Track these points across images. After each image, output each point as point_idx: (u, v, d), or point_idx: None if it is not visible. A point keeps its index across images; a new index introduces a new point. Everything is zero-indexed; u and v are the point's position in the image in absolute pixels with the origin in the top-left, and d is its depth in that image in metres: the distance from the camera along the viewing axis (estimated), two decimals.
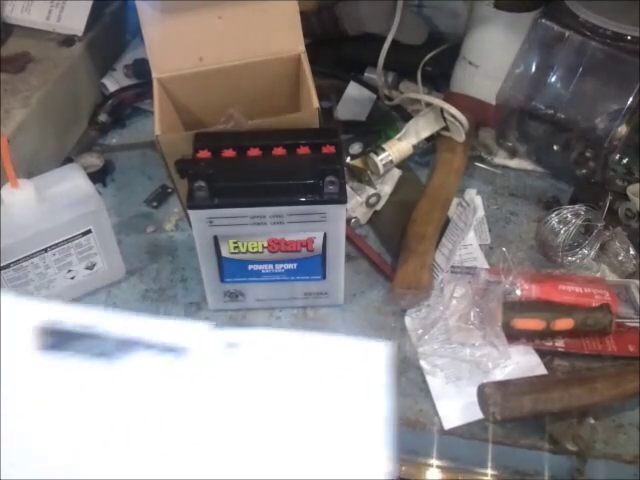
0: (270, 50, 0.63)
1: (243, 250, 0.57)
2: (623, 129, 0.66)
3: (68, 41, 0.80)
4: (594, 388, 0.52)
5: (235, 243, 0.56)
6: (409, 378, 0.57)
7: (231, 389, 0.31)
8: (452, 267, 0.63)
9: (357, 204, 0.70)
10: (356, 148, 0.74)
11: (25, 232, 0.55)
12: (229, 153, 0.54)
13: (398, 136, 0.73)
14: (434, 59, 0.84)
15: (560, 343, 0.58)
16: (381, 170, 0.71)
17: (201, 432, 0.30)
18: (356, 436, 0.29)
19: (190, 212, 0.54)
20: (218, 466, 0.29)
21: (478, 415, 0.52)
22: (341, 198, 0.53)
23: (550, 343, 0.58)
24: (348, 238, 0.62)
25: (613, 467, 0.51)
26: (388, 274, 0.65)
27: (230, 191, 0.53)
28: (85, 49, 0.80)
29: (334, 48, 0.87)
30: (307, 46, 0.64)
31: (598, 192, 0.68)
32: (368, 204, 0.70)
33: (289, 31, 0.63)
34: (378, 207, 0.71)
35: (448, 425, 0.53)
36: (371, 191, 0.71)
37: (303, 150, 0.55)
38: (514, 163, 0.78)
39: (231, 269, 0.58)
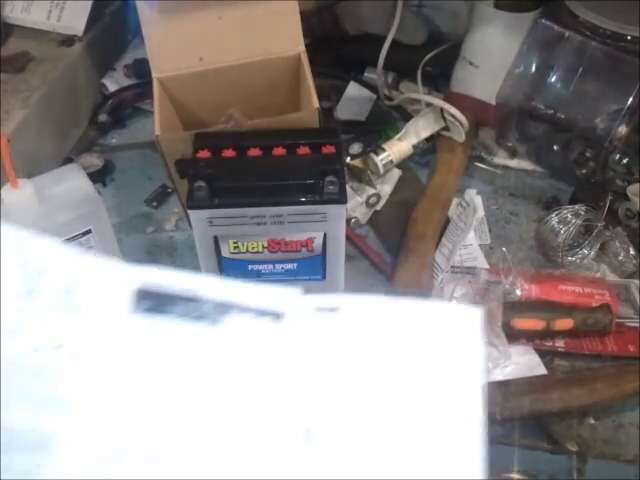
0: (270, 50, 0.63)
1: (243, 250, 0.57)
2: (623, 129, 0.66)
3: (68, 41, 0.80)
4: (594, 388, 0.52)
5: (235, 243, 0.56)
6: None
7: (331, 354, 0.31)
8: (452, 267, 0.63)
9: (357, 204, 0.70)
10: (356, 148, 0.74)
11: None
12: (229, 153, 0.54)
13: (398, 136, 0.73)
14: (434, 59, 0.84)
15: (560, 343, 0.58)
16: (381, 170, 0.71)
17: (303, 396, 0.30)
18: (455, 403, 0.29)
19: (190, 212, 0.54)
20: (317, 430, 0.29)
21: None
22: (341, 198, 0.53)
23: (550, 343, 0.58)
24: (348, 238, 0.62)
25: (613, 467, 0.51)
26: (388, 274, 0.65)
27: (230, 191, 0.53)
28: (85, 49, 0.80)
29: (334, 48, 0.87)
30: (307, 46, 0.64)
31: (598, 192, 0.68)
32: (368, 204, 0.70)
33: (289, 31, 0.63)
34: (378, 207, 0.71)
35: None
36: (371, 191, 0.71)
37: (303, 150, 0.55)
38: (514, 163, 0.78)
39: (231, 269, 0.58)
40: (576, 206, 0.66)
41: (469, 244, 0.67)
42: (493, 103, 0.75)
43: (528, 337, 0.58)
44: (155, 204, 0.74)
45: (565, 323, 0.56)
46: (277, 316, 0.31)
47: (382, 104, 0.84)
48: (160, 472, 0.29)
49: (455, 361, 0.30)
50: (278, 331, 0.31)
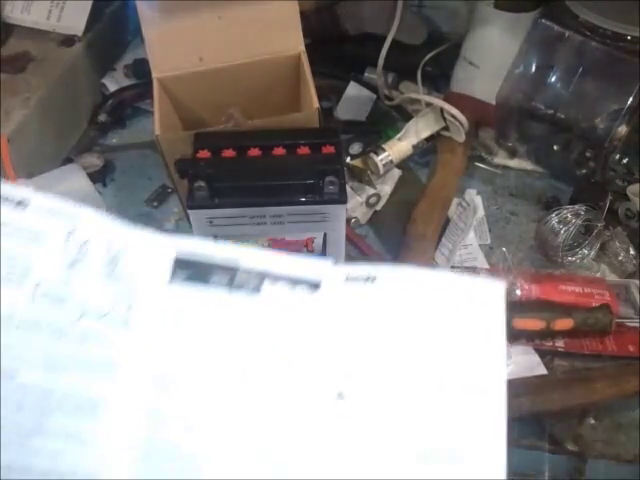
0: (270, 50, 0.63)
1: None
2: (623, 129, 0.66)
3: (68, 41, 0.80)
4: (594, 388, 0.52)
5: (235, 243, 0.56)
6: None
7: (363, 322, 0.32)
8: (452, 267, 0.63)
9: (357, 204, 0.70)
10: (356, 148, 0.74)
11: None
12: (229, 153, 0.54)
13: (398, 136, 0.73)
14: (434, 59, 0.84)
15: (560, 343, 0.58)
16: (381, 170, 0.71)
17: (336, 362, 0.32)
18: (479, 370, 0.31)
19: (190, 212, 0.54)
20: (348, 394, 0.31)
21: None
22: (341, 198, 0.53)
23: (550, 343, 0.58)
24: (348, 238, 0.62)
25: (613, 467, 0.51)
26: None
27: (230, 191, 0.53)
28: (85, 49, 0.80)
29: (334, 48, 0.87)
30: (307, 46, 0.64)
31: (598, 192, 0.68)
32: (368, 204, 0.70)
33: (289, 31, 0.63)
34: (378, 207, 0.71)
35: None
36: (371, 191, 0.71)
37: (303, 150, 0.55)
38: (514, 163, 0.78)
39: None
40: (576, 206, 0.66)
41: (469, 244, 0.67)
42: (493, 103, 0.75)
43: (528, 337, 0.58)
44: (155, 204, 0.74)
45: (565, 323, 0.56)
46: (313, 285, 0.33)
47: (382, 104, 0.84)
48: (199, 436, 0.30)
49: (479, 329, 0.32)
50: (314, 300, 0.33)
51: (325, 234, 0.56)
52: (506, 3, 0.72)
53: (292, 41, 0.63)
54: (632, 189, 0.68)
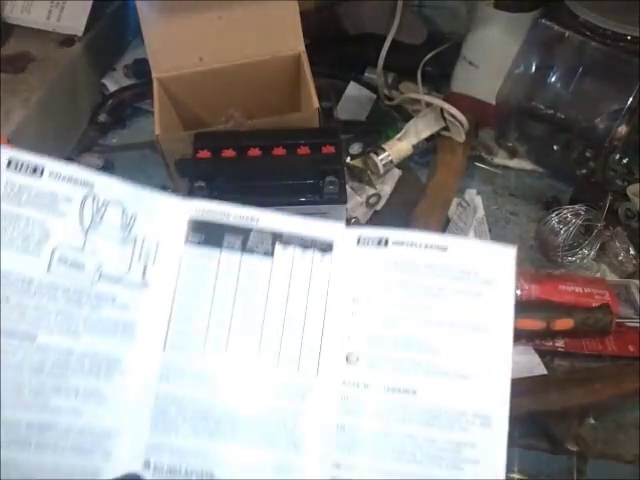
0: (270, 50, 0.63)
1: None
2: (623, 129, 0.65)
3: (68, 41, 0.80)
4: (594, 388, 0.52)
5: None
6: None
7: (375, 283, 0.33)
8: None
9: (357, 204, 0.70)
10: (356, 148, 0.74)
11: None
12: (229, 153, 0.54)
13: (398, 136, 0.73)
14: (434, 59, 0.84)
15: (560, 343, 0.58)
16: (381, 170, 0.71)
17: (347, 324, 0.33)
18: (488, 331, 0.34)
19: None
20: (357, 355, 0.32)
21: None
22: (341, 198, 0.53)
23: (550, 343, 0.58)
24: None
25: (613, 467, 0.51)
26: None
27: (230, 191, 0.53)
28: (85, 49, 0.80)
29: (334, 48, 0.87)
30: (307, 46, 0.64)
31: (598, 192, 0.68)
32: (368, 204, 0.70)
33: (289, 31, 0.63)
34: (378, 207, 0.71)
35: None
36: (371, 191, 0.71)
37: (303, 150, 0.55)
38: (514, 163, 0.78)
39: None
40: (576, 206, 0.66)
41: None
42: (493, 103, 0.75)
43: (528, 337, 0.58)
44: None
45: (565, 323, 0.56)
46: (325, 248, 0.34)
47: (382, 104, 0.84)
48: (211, 392, 0.32)
49: (490, 292, 0.33)
50: (327, 261, 0.34)
51: None
52: (506, 3, 0.72)
53: (292, 41, 0.63)
54: (632, 189, 0.68)
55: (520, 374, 0.55)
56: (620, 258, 0.65)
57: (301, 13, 0.63)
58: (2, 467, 0.28)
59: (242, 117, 0.58)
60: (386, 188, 0.72)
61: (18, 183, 0.31)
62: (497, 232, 0.70)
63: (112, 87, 0.84)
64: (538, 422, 0.52)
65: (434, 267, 0.33)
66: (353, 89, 0.84)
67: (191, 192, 0.52)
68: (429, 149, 0.77)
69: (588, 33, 0.67)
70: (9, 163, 0.32)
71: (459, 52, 0.80)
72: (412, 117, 0.76)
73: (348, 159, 0.72)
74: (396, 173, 0.74)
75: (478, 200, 0.71)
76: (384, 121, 0.82)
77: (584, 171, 0.71)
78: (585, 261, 0.65)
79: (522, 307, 0.58)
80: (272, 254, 0.34)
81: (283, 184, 0.53)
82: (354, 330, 0.33)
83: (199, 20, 0.62)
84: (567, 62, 0.68)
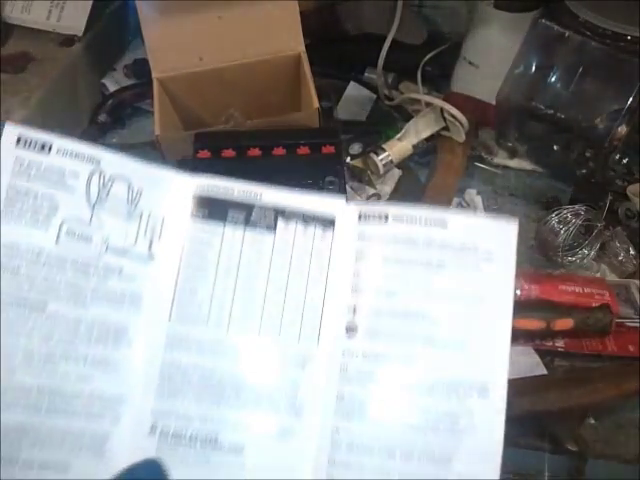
0: (270, 50, 0.63)
1: None
2: (623, 129, 0.65)
3: (68, 41, 0.80)
4: (594, 388, 0.52)
5: None
6: None
7: (376, 257, 0.34)
8: None
9: None
10: (356, 148, 0.74)
11: None
12: (229, 153, 0.54)
13: (398, 136, 0.73)
14: (434, 59, 0.84)
15: (560, 343, 0.58)
16: (381, 170, 0.71)
17: (347, 296, 0.34)
18: (489, 303, 0.34)
19: None
20: (357, 327, 0.33)
21: None
22: None
23: (550, 343, 0.58)
24: None
25: (613, 467, 0.51)
26: None
27: None
28: (85, 49, 0.80)
29: (334, 48, 0.87)
30: (307, 46, 0.64)
31: (598, 192, 0.68)
32: None
33: (289, 31, 0.63)
34: None
35: None
36: (371, 191, 0.71)
37: (303, 150, 0.55)
38: (514, 163, 0.78)
39: None
40: (576, 206, 0.66)
41: None
42: (493, 103, 0.75)
43: (528, 337, 0.58)
44: None
45: (565, 323, 0.56)
46: (327, 223, 0.35)
47: (382, 104, 0.84)
48: (215, 359, 0.33)
49: (490, 266, 0.34)
50: (328, 236, 0.35)
51: None
52: (506, 3, 0.72)
53: (292, 41, 0.63)
54: (632, 189, 0.68)
55: (520, 374, 0.55)
56: (620, 258, 0.65)
57: (301, 13, 0.63)
58: (16, 431, 0.30)
59: (242, 117, 0.58)
60: (386, 188, 0.72)
61: (27, 159, 0.32)
62: None
63: (112, 87, 0.84)
64: (538, 422, 0.52)
65: (434, 242, 0.34)
66: (353, 89, 0.84)
67: None
68: (429, 149, 0.77)
69: (588, 33, 0.67)
70: (18, 140, 0.33)
71: (459, 52, 0.80)
72: (412, 117, 0.76)
73: (348, 159, 0.72)
74: (396, 173, 0.73)
75: (478, 200, 0.71)
76: (384, 121, 0.82)
77: (584, 171, 0.71)
78: (585, 261, 0.65)
79: (522, 307, 0.58)
80: (274, 229, 0.35)
81: (283, 184, 0.53)
82: (354, 303, 0.33)
83: (199, 20, 0.62)
84: (567, 62, 0.68)
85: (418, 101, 0.80)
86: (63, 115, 0.77)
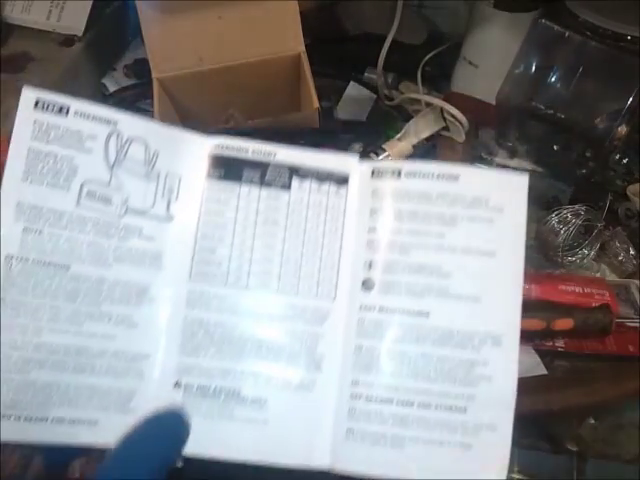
0: (270, 50, 0.63)
1: None
2: (623, 129, 0.65)
3: (68, 41, 0.80)
4: (594, 388, 0.52)
5: None
6: None
7: (389, 213, 0.35)
8: None
9: None
10: (356, 148, 0.74)
11: None
12: None
13: (398, 136, 0.73)
14: (434, 59, 0.84)
15: (560, 343, 0.58)
16: None
17: (363, 252, 0.35)
18: (501, 257, 0.34)
19: None
20: (373, 281, 0.34)
21: None
22: None
23: (550, 343, 0.58)
24: None
25: (613, 467, 0.51)
26: None
27: None
28: (85, 49, 0.80)
29: (334, 48, 0.87)
30: (307, 46, 0.64)
31: (598, 192, 0.68)
32: None
33: (289, 31, 0.63)
34: None
35: None
36: None
37: None
38: (514, 163, 0.78)
39: None
40: (576, 206, 0.66)
41: None
42: (493, 103, 0.75)
43: (528, 337, 0.58)
44: None
45: (565, 323, 0.56)
46: (341, 180, 0.36)
47: (382, 104, 0.84)
48: (235, 315, 0.34)
49: (502, 218, 0.34)
50: (342, 194, 0.36)
51: None
52: (506, 3, 0.72)
53: (292, 41, 0.63)
54: (632, 189, 0.68)
55: (520, 374, 0.55)
56: (620, 258, 0.65)
57: (301, 13, 0.63)
58: (45, 390, 0.30)
59: (242, 117, 0.58)
60: None
61: (46, 122, 0.33)
62: None
63: (112, 87, 0.84)
64: (538, 422, 0.52)
65: (446, 196, 0.34)
66: (353, 89, 0.84)
67: None
68: (429, 149, 0.76)
69: (588, 33, 0.67)
70: (36, 103, 0.34)
71: (459, 52, 0.80)
72: (412, 117, 0.76)
73: None
74: None
75: None
76: (384, 121, 0.82)
77: (584, 171, 0.71)
78: (585, 261, 0.65)
79: (522, 307, 0.58)
80: (289, 187, 0.35)
81: None
82: (370, 258, 0.34)
83: (199, 20, 0.62)
84: (567, 62, 0.68)
85: (418, 101, 0.80)
86: None
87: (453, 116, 0.72)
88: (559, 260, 0.65)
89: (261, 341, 0.33)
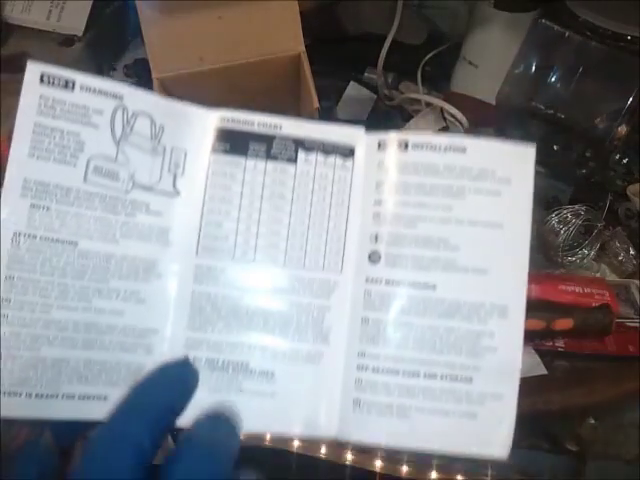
0: (270, 50, 0.63)
1: None
2: (623, 129, 0.66)
3: (68, 41, 0.80)
4: (594, 388, 0.53)
5: None
6: None
7: (396, 185, 0.35)
8: None
9: None
10: None
11: None
12: None
13: None
14: (434, 59, 0.84)
15: (560, 343, 0.58)
16: None
17: (369, 223, 0.35)
18: (508, 226, 0.34)
19: None
20: (380, 253, 0.34)
21: None
22: None
23: (550, 343, 0.58)
24: None
25: (613, 467, 0.51)
26: None
27: None
28: (85, 49, 0.80)
29: (334, 48, 0.87)
30: (307, 46, 0.64)
31: (598, 192, 0.68)
32: None
33: (289, 31, 0.63)
34: None
35: None
36: None
37: None
38: None
39: None
40: (576, 206, 0.66)
41: None
42: (493, 103, 0.75)
43: (528, 337, 0.58)
44: None
45: (565, 323, 0.56)
46: (347, 152, 0.35)
47: (382, 104, 0.84)
48: (242, 289, 0.34)
49: (508, 190, 0.34)
50: (349, 166, 0.35)
51: None
52: (506, 3, 0.72)
53: (292, 41, 0.63)
54: (632, 189, 0.68)
55: (520, 374, 0.55)
56: (620, 258, 0.65)
57: (301, 13, 0.63)
58: (55, 365, 0.31)
59: None
60: None
61: (52, 97, 0.32)
62: None
63: None
64: (538, 422, 0.52)
65: (453, 168, 0.34)
66: (353, 89, 0.84)
67: None
68: None
69: (588, 33, 0.67)
70: (42, 78, 0.33)
71: (459, 52, 0.80)
72: (412, 117, 0.76)
73: None
74: None
75: None
76: (384, 121, 0.82)
77: (584, 171, 0.71)
78: (585, 261, 0.65)
79: None
80: (295, 160, 0.35)
81: None
82: (376, 231, 0.34)
83: (199, 20, 0.62)
84: (567, 62, 0.68)
85: (418, 101, 0.80)
86: None
87: (453, 116, 0.72)
88: (559, 260, 0.65)
89: (268, 314, 0.34)
